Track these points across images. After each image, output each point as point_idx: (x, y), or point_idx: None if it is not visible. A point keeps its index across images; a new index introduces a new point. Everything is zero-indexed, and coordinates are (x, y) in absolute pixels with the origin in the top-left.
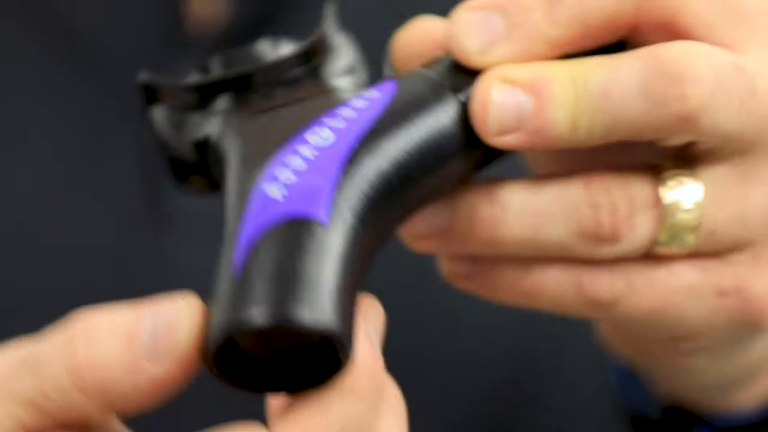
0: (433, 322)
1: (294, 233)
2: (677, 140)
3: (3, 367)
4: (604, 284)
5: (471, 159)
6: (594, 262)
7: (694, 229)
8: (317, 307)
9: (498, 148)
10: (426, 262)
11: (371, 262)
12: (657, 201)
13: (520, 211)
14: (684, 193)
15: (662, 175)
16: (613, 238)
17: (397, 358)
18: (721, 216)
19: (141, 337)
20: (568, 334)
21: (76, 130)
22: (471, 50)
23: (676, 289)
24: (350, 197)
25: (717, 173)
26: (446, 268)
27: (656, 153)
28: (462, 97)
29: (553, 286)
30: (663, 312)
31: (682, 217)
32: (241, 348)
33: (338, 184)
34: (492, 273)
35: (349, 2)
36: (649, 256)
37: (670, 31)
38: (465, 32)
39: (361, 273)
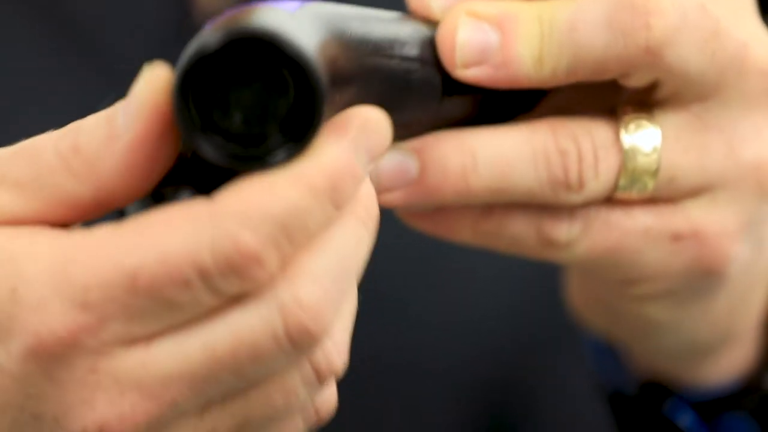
0: (426, 319)
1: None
2: (640, 78)
3: (6, 158)
4: (563, 227)
5: (434, 90)
6: (556, 207)
7: (653, 173)
8: (268, 20)
9: (462, 82)
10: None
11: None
12: (618, 146)
13: (490, 159)
14: (643, 137)
15: (622, 120)
16: (579, 185)
17: (389, 354)
18: (679, 161)
19: (117, 113)
20: (561, 333)
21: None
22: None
23: (632, 232)
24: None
25: (677, 119)
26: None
27: (616, 98)
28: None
29: (514, 229)
30: (617, 253)
31: (642, 161)
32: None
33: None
34: (451, 214)
35: None
36: (608, 199)
37: None
38: None
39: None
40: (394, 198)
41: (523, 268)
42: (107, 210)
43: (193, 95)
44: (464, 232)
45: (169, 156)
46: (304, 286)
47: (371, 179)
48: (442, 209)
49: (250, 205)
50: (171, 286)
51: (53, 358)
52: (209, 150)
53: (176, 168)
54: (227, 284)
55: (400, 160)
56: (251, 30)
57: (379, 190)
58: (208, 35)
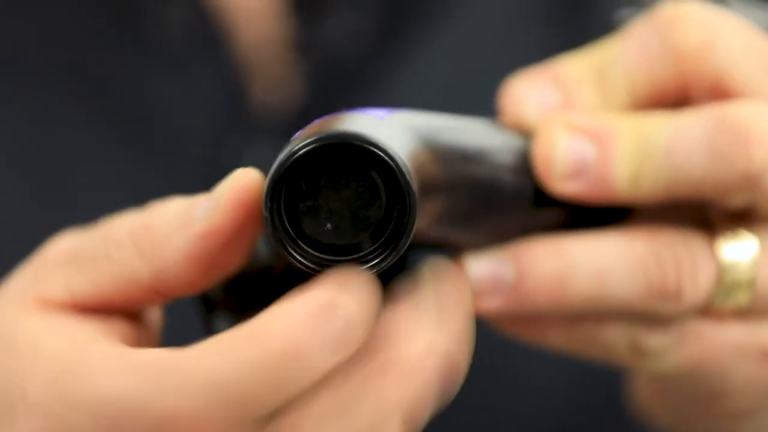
0: (485, 383)
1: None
2: (736, 201)
3: (75, 238)
4: (656, 337)
5: (525, 199)
6: (651, 318)
7: (749, 286)
8: (358, 125)
9: (557, 198)
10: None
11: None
12: (715, 257)
13: (587, 267)
14: (741, 248)
15: (719, 233)
16: (677, 295)
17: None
18: None
19: (197, 202)
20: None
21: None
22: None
23: (723, 346)
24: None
25: None
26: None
27: (708, 210)
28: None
29: (607, 337)
30: (707, 367)
31: (739, 273)
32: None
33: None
34: (546, 320)
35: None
36: (702, 312)
37: (718, 92)
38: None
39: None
40: (489, 305)
41: (580, 371)
42: (165, 296)
43: (284, 202)
44: (557, 339)
45: (236, 261)
46: None
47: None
48: (535, 317)
49: (204, 369)
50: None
51: None
52: (299, 259)
53: (264, 283)
54: None
55: (495, 266)
56: (341, 134)
57: (474, 296)
58: (299, 140)
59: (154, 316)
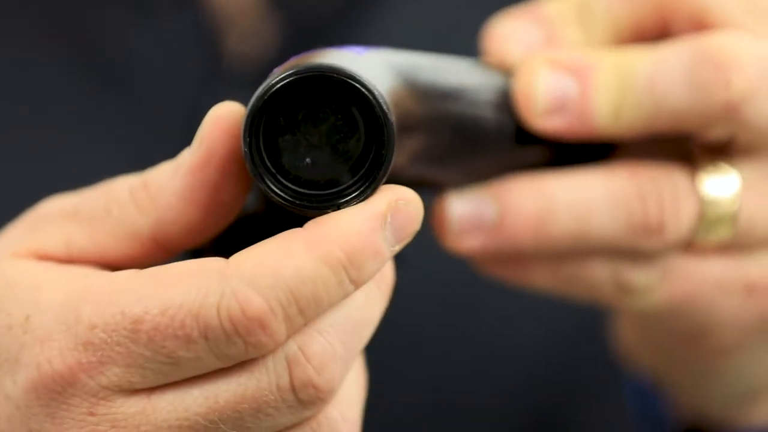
0: (463, 349)
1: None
2: (717, 132)
3: (75, 196)
4: (641, 273)
5: (507, 138)
6: (634, 254)
7: (732, 220)
8: (336, 59)
9: (539, 135)
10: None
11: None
12: (697, 191)
13: (569, 203)
14: (723, 184)
15: (700, 168)
16: (659, 230)
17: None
18: (757, 210)
19: (186, 149)
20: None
21: (117, 162)
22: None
23: (707, 281)
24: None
25: (753, 169)
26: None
27: (690, 145)
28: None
29: (591, 275)
30: (692, 302)
31: (721, 208)
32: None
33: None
34: (528, 261)
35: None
36: (685, 247)
37: (699, 26)
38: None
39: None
40: (472, 243)
41: (562, 309)
42: (166, 250)
43: (263, 136)
44: (541, 279)
45: (232, 195)
46: (311, 337)
47: (449, 223)
48: (518, 256)
49: (263, 268)
50: (172, 339)
51: (53, 394)
52: (278, 192)
53: (249, 229)
54: (231, 347)
55: (478, 205)
56: (319, 66)
57: (456, 235)
58: (276, 74)
59: None
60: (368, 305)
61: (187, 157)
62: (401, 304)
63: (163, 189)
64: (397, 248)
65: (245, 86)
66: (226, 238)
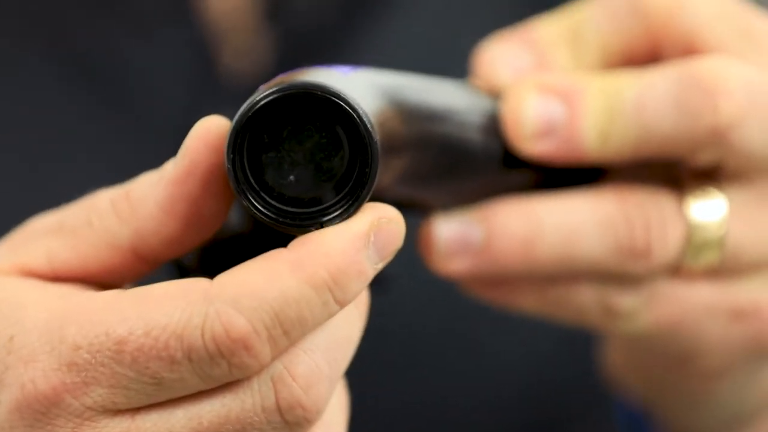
0: (455, 366)
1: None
2: (705, 157)
3: (59, 212)
4: (627, 298)
5: (494, 160)
6: (621, 278)
7: (719, 245)
8: (321, 78)
9: (527, 159)
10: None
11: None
12: (683, 217)
13: (556, 226)
14: (710, 208)
15: (688, 192)
16: (646, 254)
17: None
18: (744, 235)
19: (170, 161)
20: (591, 398)
21: (110, 175)
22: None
23: (694, 306)
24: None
25: (741, 194)
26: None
27: (678, 170)
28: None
29: (578, 299)
30: (679, 327)
31: (708, 232)
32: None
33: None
34: (515, 283)
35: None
36: (672, 272)
37: (689, 51)
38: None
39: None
40: (458, 266)
41: (554, 327)
42: (146, 261)
43: (247, 153)
44: (528, 302)
45: (213, 209)
46: (297, 357)
47: (436, 245)
48: (505, 279)
49: (247, 289)
50: (156, 360)
51: (37, 414)
52: (261, 210)
53: (235, 249)
54: (215, 368)
55: (464, 227)
56: (303, 84)
57: (443, 258)
58: (261, 91)
59: None
60: (350, 324)
61: (170, 168)
62: (394, 322)
63: (144, 199)
64: (380, 266)
65: (239, 101)
66: (212, 258)
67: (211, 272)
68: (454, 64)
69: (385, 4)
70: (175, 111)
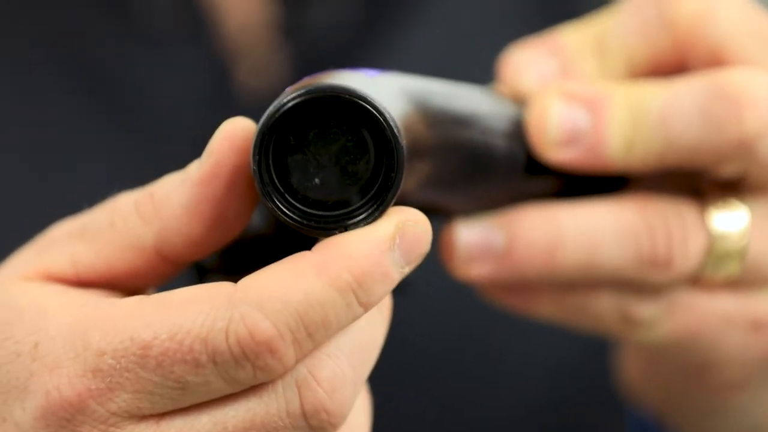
0: (472, 376)
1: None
2: (729, 169)
3: (83, 216)
4: (647, 306)
5: (517, 166)
6: (641, 286)
7: (740, 255)
8: (347, 81)
9: (551, 166)
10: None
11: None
12: (705, 226)
13: (577, 234)
14: (732, 219)
15: (710, 202)
16: (667, 264)
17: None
18: (765, 247)
19: (194, 162)
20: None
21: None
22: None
23: (713, 316)
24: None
25: (763, 205)
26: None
27: (700, 180)
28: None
29: (597, 306)
30: (698, 337)
31: (729, 243)
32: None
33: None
34: (535, 290)
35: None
36: (693, 282)
37: (716, 62)
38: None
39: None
40: (479, 272)
41: (572, 337)
42: (170, 262)
43: (273, 155)
44: (547, 308)
45: (237, 211)
46: (321, 361)
47: (457, 250)
48: (525, 285)
49: (271, 292)
50: (181, 364)
51: (62, 421)
52: (286, 212)
53: (257, 249)
54: (240, 372)
55: (486, 233)
56: (331, 87)
57: (464, 263)
58: (288, 93)
59: None
60: (373, 328)
61: (195, 169)
62: (411, 330)
63: (167, 199)
64: (407, 270)
65: (255, 118)
66: (234, 259)
67: (232, 273)
68: (474, 80)
69: (401, 22)
70: (190, 127)
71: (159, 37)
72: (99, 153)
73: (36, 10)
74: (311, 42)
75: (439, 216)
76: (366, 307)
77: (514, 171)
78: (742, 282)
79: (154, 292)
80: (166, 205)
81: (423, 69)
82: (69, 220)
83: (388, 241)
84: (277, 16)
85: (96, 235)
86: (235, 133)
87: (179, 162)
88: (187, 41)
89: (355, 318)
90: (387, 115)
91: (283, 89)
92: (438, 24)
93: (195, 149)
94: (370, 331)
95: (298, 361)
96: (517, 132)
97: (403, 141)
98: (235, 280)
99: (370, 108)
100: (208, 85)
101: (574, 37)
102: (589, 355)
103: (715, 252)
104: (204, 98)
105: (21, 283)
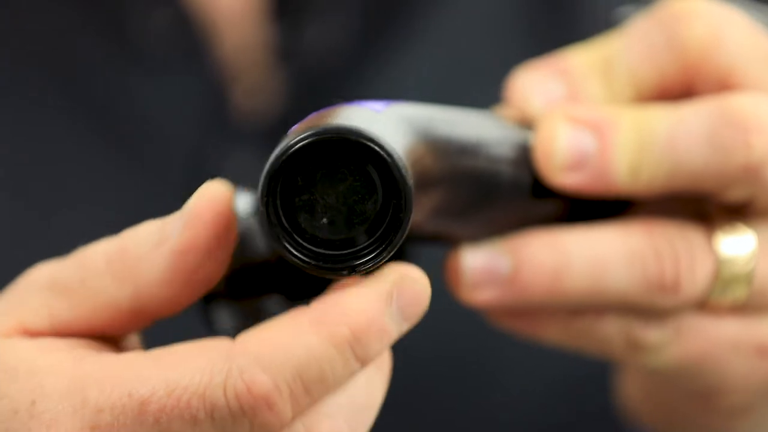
0: (471, 397)
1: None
2: (736, 194)
3: (53, 266)
4: (654, 331)
5: (523, 191)
6: (648, 311)
7: (747, 280)
8: (354, 119)
9: (557, 190)
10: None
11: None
12: (712, 252)
13: (584, 259)
14: (739, 243)
15: (716, 227)
16: (674, 288)
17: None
18: None
19: (169, 220)
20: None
21: (121, 216)
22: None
23: (720, 341)
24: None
25: None
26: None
27: (706, 204)
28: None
29: (603, 331)
30: (704, 362)
31: (736, 267)
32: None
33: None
34: (541, 314)
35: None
36: (699, 306)
37: (724, 87)
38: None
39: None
40: (485, 297)
41: (572, 359)
42: (147, 319)
43: (280, 196)
44: (553, 333)
45: (214, 272)
46: (319, 420)
47: (463, 275)
48: (530, 309)
49: (268, 346)
50: (178, 420)
51: None
52: (294, 253)
53: (262, 275)
54: (238, 427)
55: (492, 258)
56: (337, 128)
57: (470, 288)
58: (295, 134)
59: (133, 341)
60: (372, 388)
61: (174, 234)
62: (409, 353)
63: (143, 262)
64: (405, 327)
65: (251, 141)
66: (239, 283)
67: (237, 297)
68: (471, 99)
69: (398, 43)
70: (186, 150)
71: (155, 59)
72: (95, 176)
73: (31, 35)
74: (307, 64)
75: (444, 242)
76: (363, 362)
77: (521, 195)
78: (749, 306)
79: (135, 338)
80: (142, 268)
81: (420, 90)
82: (42, 267)
83: (385, 297)
84: (273, 38)
85: (68, 291)
86: (214, 197)
87: (176, 185)
88: (182, 64)
89: (352, 374)
90: (395, 156)
91: (279, 111)
92: (435, 45)
93: (192, 173)
94: (370, 391)
95: (295, 417)
96: (523, 157)
97: (411, 181)
98: (241, 306)
99: (378, 149)
100: (204, 108)
101: (580, 60)
102: (590, 376)
103: (722, 276)
104: (200, 120)
105: (4, 340)
